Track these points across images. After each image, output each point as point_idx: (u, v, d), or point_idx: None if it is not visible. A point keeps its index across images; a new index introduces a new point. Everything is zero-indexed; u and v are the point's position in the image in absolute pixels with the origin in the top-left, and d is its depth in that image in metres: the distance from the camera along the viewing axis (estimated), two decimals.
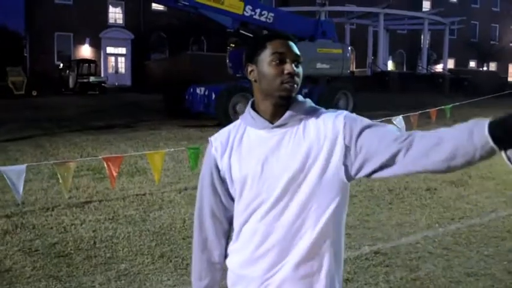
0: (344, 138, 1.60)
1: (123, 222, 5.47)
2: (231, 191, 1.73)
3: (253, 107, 1.72)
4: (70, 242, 4.88)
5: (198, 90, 13.79)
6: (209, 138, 1.80)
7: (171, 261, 4.51)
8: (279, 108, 1.66)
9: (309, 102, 1.73)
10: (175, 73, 14.90)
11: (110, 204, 6.12)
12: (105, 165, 5.94)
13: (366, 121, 1.62)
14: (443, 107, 10.31)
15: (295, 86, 1.64)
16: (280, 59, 1.62)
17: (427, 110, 9.70)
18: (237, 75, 14.36)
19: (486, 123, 1.42)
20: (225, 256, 1.81)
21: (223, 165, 1.72)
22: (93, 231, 5.18)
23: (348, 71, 17.86)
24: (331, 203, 1.62)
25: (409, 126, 9.04)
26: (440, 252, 4.85)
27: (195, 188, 6.34)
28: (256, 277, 1.66)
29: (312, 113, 1.69)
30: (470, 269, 4.49)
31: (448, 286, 4.11)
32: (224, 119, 13.05)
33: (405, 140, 1.53)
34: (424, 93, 26.06)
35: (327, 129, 1.62)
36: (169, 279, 4.16)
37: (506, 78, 35.35)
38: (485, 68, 42.93)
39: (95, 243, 4.88)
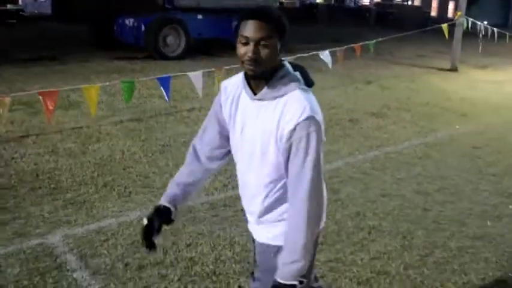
0: (286, 142, 1.84)
1: (63, 155, 5.65)
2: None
3: (245, 74, 1.94)
4: (13, 175, 5.04)
5: (127, 22, 13.50)
6: (221, 85, 2.09)
7: (114, 189, 4.80)
8: (258, 82, 1.88)
9: (288, 78, 1.88)
10: (102, 2, 14.42)
11: (47, 137, 6.23)
12: (41, 100, 6.00)
13: (303, 152, 1.82)
14: (367, 42, 10.81)
15: (256, 67, 1.81)
16: (245, 41, 1.79)
17: (352, 45, 10.16)
18: (167, 6, 14.13)
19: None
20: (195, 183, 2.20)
21: (225, 112, 2.04)
22: (35, 164, 5.34)
23: (277, 3, 17.99)
24: (271, 176, 1.97)
25: (335, 59, 9.49)
26: (359, 177, 5.43)
27: (131, 120, 6.64)
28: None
29: (286, 93, 1.86)
30: (384, 190, 5.10)
31: (364, 205, 4.70)
32: (154, 52, 12.98)
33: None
34: (351, 26, 26.64)
35: (283, 132, 1.84)
36: (114, 206, 4.48)
37: (429, 13, 36.51)
38: (409, 3, 43.98)
39: (37, 175, 5.07)
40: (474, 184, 5.40)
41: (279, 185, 1.97)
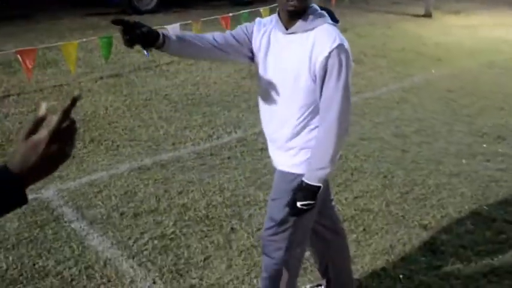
0: (321, 69, 2.07)
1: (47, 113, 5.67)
2: (243, 52, 2.27)
3: (279, 14, 2.19)
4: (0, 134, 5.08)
5: None
6: (259, 20, 2.29)
7: (101, 144, 4.89)
8: (292, 18, 2.12)
9: (317, 15, 2.13)
10: None
11: (28, 97, 6.22)
12: (20, 59, 5.97)
13: (336, 75, 2.06)
14: None
15: (299, 3, 2.04)
16: None
17: None
18: None
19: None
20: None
21: (254, 42, 2.24)
22: (19, 123, 5.37)
23: None
24: (303, 101, 2.16)
25: (329, 4, 9.50)
26: None
27: (110, 76, 6.66)
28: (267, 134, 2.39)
29: (315, 27, 2.10)
30: (364, 134, 5.28)
31: (346, 149, 4.86)
32: (128, 6, 12.78)
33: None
34: None
35: (317, 59, 2.06)
36: (103, 160, 4.58)
37: None
38: None
39: None
40: (449, 125, 5.62)
41: (309, 110, 2.17)
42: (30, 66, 6.11)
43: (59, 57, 7.73)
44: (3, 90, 6.49)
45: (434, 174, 4.42)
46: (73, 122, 1.05)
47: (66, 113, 1.03)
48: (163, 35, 2.01)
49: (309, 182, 2.19)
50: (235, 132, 5.22)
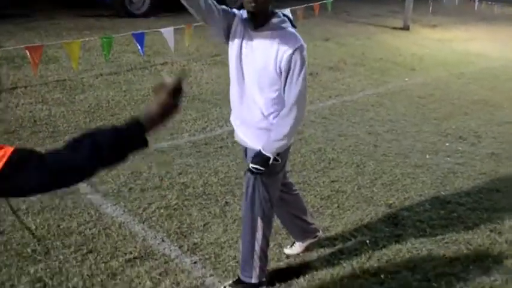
0: (284, 67, 2.62)
1: (54, 104, 6.21)
2: (223, 28, 2.69)
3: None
4: (12, 122, 5.59)
5: None
6: (238, 11, 2.71)
7: None
8: (255, 18, 2.61)
9: (281, 20, 2.63)
10: None
11: (35, 89, 6.74)
12: (28, 54, 6.49)
13: (298, 69, 2.62)
14: (325, 1, 11.49)
15: (255, 5, 2.51)
16: None
17: (311, 4, 10.83)
18: None
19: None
20: None
21: (233, 27, 2.68)
22: (30, 112, 5.90)
23: None
24: (270, 88, 2.72)
25: (295, 18, 10.15)
26: (320, 121, 6.23)
27: (110, 74, 7.28)
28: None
29: (281, 29, 2.61)
30: (341, 131, 5.92)
31: (325, 143, 5.51)
32: (120, 10, 13.29)
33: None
34: None
35: (283, 55, 2.58)
36: None
37: None
38: None
39: (35, 121, 5.64)
40: (418, 126, 6.29)
41: (273, 97, 2.73)
42: (37, 61, 6.64)
43: (58, 54, 8.26)
44: (10, 83, 6.99)
45: (401, 166, 5.07)
46: (181, 87, 1.60)
47: (179, 80, 1.59)
48: None
49: (263, 152, 2.75)
50: (227, 126, 5.81)
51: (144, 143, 1.55)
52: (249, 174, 2.87)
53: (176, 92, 1.58)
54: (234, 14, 2.71)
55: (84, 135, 1.52)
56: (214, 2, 2.64)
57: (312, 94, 7.28)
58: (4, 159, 1.42)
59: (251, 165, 2.78)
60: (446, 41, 12.67)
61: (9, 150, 1.45)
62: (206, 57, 8.82)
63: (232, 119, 2.99)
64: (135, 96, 6.69)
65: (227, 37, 2.74)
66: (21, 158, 1.45)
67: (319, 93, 7.39)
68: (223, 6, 2.70)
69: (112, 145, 1.50)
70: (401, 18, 14.43)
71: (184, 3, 2.53)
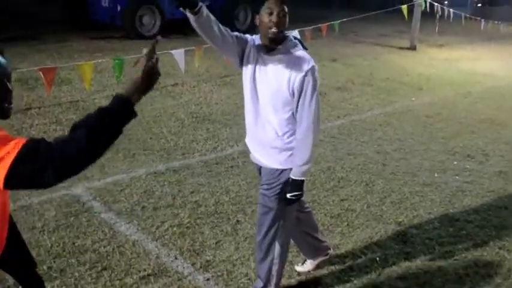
0: (297, 88, 2.72)
1: (67, 125, 6.33)
2: (238, 54, 2.79)
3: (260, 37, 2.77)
4: None
5: (102, 2, 13.98)
6: (250, 36, 2.82)
7: (120, 152, 5.54)
8: (271, 44, 2.70)
9: (293, 43, 2.75)
10: None
11: (48, 110, 6.88)
12: (42, 76, 6.63)
13: (311, 90, 2.71)
14: (332, 22, 11.64)
15: (276, 33, 2.64)
16: (270, 12, 2.64)
17: (319, 25, 10.98)
18: None
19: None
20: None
21: (246, 52, 2.79)
22: (44, 132, 6.03)
23: None
24: (284, 108, 2.80)
25: (303, 39, 10.28)
26: (329, 140, 6.31)
27: None
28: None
29: (293, 53, 2.71)
30: (350, 150, 6.00)
31: (334, 162, 5.58)
32: (131, 31, 13.51)
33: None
34: (314, 7, 27.40)
35: (296, 78, 2.68)
36: (122, 165, 5.23)
37: None
38: None
39: None
40: (426, 145, 6.35)
41: (286, 117, 2.81)
42: (50, 83, 6.78)
43: (71, 76, 8.42)
44: (24, 104, 7.14)
45: (409, 184, 5.12)
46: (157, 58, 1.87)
47: (152, 51, 1.86)
48: (201, 7, 2.48)
49: (295, 178, 2.83)
50: (237, 146, 5.91)
51: (133, 114, 1.80)
52: (261, 199, 2.98)
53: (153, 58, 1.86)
54: (247, 40, 2.81)
55: (75, 125, 1.69)
56: (228, 29, 2.73)
57: (321, 114, 7.35)
58: (16, 151, 1.59)
59: (289, 195, 2.87)
60: (453, 61, 12.79)
61: (21, 142, 1.62)
62: (216, 78, 8.96)
63: (247, 140, 3.08)
64: (146, 117, 6.81)
65: (241, 62, 2.84)
66: (32, 149, 1.61)
67: (327, 113, 7.47)
68: (237, 33, 2.79)
69: (104, 124, 1.71)
70: (408, 38, 14.59)
71: (199, 32, 2.61)
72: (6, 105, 1.91)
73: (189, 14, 2.48)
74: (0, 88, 1.88)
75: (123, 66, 7.46)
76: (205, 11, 2.51)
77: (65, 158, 1.62)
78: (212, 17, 2.60)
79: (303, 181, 2.87)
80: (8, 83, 1.91)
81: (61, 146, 1.63)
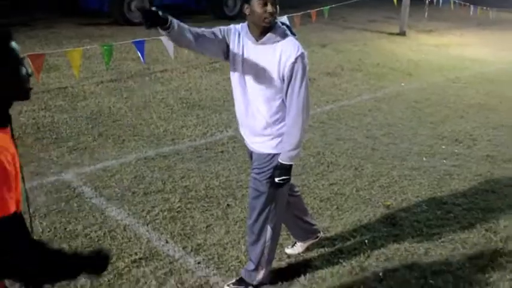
0: (287, 75, 2.73)
1: (56, 111, 6.31)
2: (221, 49, 2.81)
3: (248, 25, 2.77)
4: (16, 128, 5.68)
5: None
6: (234, 26, 2.83)
7: (109, 138, 5.54)
8: (263, 31, 2.72)
9: (281, 29, 2.73)
10: None
11: (37, 96, 6.83)
12: (30, 62, 6.58)
13: (300, 76, 2.71)
14: (321, 8, 11.63)
15: (272, 20, 2.66)
16: (264, 2, 2.64)
17: (308, 11, 10.97)
18: None
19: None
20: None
21: (232, 43, 2.79)
22: (33, 118, 6.00)
23: None
24: (275, 95, 2.82)
25: (292, 25, 10.26)
26: (318, 125, 6.34)
27: (110, 81, 7.41)
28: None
29: (281, 39, 2.71)
30: (339, 135, 6.03)
31: (323, 147, 5.61)
32: (119, 18, 13.41)
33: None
34: None
35: (285, 64, 2.69)
36: (112, 151, 5.24)
37: None
38: None
39: (38, 128, 5.74)
40: (414, 130, 6.40)
41: (277, 104, 2.83)
42: (38, 69, 6.73)
43: (59, 63, 8.38)
44: None
45: (398, 168, 5.17)
46: None
47: None
48: (171, 22, 2.49)
49: (284, 162, 2.87)
50: (227, 131, 5.93)
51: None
52: (252, 183, 3.00)
53: None
54: (229, 33, 2.82)
55: (47, 247, 1.74)
56: (204, 30, 2.74)
57: (310, 100, 7.37)
58: None
59: (277, 179, 2.90)
60: (442, 46, 12.82)
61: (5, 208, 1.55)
62: (205, 64, 8.93)
63: (240, 129, 3.11)
64: (135, 103, 6.80)
65: (227, 55, 2.85)
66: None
67: (317, 98, 7.49)
68: (216, 29, 2.80)
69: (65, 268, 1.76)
70: (397, 23, 14.59)
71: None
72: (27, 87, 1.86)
73: (161, 31, 2.51)
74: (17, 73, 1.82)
75: (112, 52, 7.42)
76: (175, 23, 2.53)
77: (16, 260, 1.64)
78: (184, 26, 2.63)
79: (291, 166, 2.90)
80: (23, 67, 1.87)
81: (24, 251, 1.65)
